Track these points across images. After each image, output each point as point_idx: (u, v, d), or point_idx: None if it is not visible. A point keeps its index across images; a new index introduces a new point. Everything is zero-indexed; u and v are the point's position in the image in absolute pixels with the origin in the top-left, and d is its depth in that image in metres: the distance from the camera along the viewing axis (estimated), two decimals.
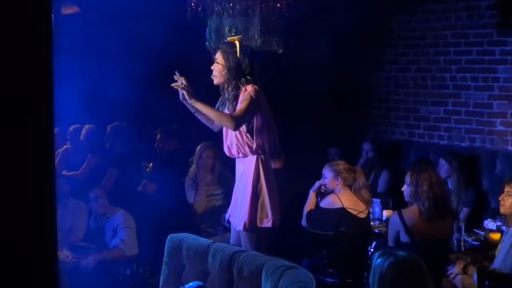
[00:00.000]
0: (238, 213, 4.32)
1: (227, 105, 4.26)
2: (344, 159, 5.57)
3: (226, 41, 4.52)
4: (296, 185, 5.49)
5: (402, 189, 4.69)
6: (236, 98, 4.20)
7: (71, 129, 6.84)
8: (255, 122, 4.20)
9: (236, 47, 4.21)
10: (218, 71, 4.23)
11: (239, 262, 3.59)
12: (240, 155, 4.28)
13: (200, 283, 3.40)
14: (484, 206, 6.01)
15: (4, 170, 1.29)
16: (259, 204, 4.24)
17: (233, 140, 4.26)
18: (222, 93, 4.29)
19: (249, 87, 4.15)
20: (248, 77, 4.18)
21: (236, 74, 4.18)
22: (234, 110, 4.20)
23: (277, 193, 4.35)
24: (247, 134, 4.21)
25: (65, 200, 5.40)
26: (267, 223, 4.25)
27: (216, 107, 4.31)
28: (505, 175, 5.84)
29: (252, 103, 4.10)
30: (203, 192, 5.90)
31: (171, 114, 6.80)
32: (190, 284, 3.35)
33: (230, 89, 4.22)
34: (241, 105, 4.12)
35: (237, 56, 4.18)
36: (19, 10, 1.29)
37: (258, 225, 4.25)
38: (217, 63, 4.24)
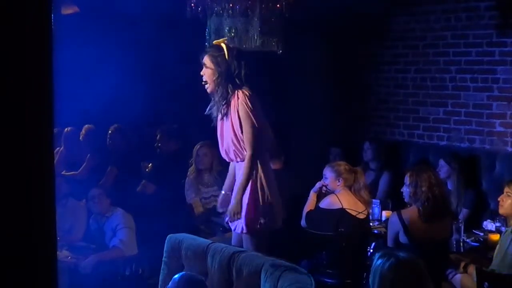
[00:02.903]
0: None
1: (217, 109, 4.24)
2: (345, 159, 5.57)
3: (212, 44, 4.51)
4: (296, 186, 5.49)
5: (402, 190, 4.69)
6: (227, 102, 4.17)
7: (66, 131, 6.83)
8: None
9: (223, 50, 4.19)
10: (208, 77, 4.20)
11: (238, 263, 3.59)
12: (238, 159, 4.26)
13: (184, 272, 3.44)
14: (483, 207, 6.01)
15: (3, 170, 1.29)
16: (259, 207, 4.22)
17: (230, 146, 4.24)
18: (213, 97, 4.27)
19: (241, 94, 4.12)
20: (237, 81, 4.15)
21: (227, 77, 4.15)
22: (225, 114, 4.18)
23: (279, 195, 4.34)
24: (244, 140, 4.19)
25: (65, 200, 5.41)
26: (266, 226, 4.24)
27: (206, 113, 4.32)
28: (504, 176, 5.84)
29: (248, 113, 4.10)
30: (202, 193, 5.91)
31: (171, 114, 6.81)
32: (175, 276, 3.38)
33: (219, 93, 4.19)
34: (244, 127, 4.11)
35: (225, 59, 4.16)
36: (19, 10, 1.29)
37: (259, 228, 4.24)
38: (206, 67, 4.21)
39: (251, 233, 4.24)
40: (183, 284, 3.31)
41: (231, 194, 4.36)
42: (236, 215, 4.18)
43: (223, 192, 4.50)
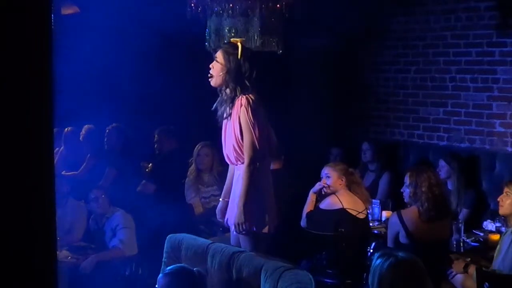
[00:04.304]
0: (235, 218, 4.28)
1: (224, 107, 4.22)
2: (345, 159, 5.58)
3: (228, 41, 4.48)
4: (295, 186, 5.48)
5: (402, 190, 4.69)
6: (232, 102, 4.15)
7: (66, 131, 6.83)
8: None
9: (238, 49, 4.17)
10: (216, 71, 4.17)
11: (238, 263, 3.59)
12: (239, 163, 4.25)
13: (173, 266, 3.45)
14: (483, 207, 6.01)
15: (3, 170, 1.29)
16: (255, 210, 4.21)
17: (230, 149, 4.22)
18: (220, 93, 4.26)
19: (244, 101, 4.08)
20: (247, 83, 4.13)
21: (235, 77, 4.12)
22: (229, 115, 4.17)
23: (274, 199, 4.33)
24: (243, 148, 4.18)
25: (64, 200, 5.40)
26: (263, 229, 4.23)
27: (214, 107, 4.30)
28: (504, 176, 5.84)
29: (248, 123, 4.07)
30: (202, 192, 5.91)
31: (169, 115, 6.81)
32: (160, 276, 3.40)
33: (228, 91, 4.16)
34: (244, 136, 4.09)
35: (238, 58, 4.14)
36: (20, 10, 1.29)
37: (255, 230, 4.23)
38: (216, 61, 4.17)
39: (247, 236, 4.23)
40: (169, 281, 3.30)
41: (229, 201, 4.35)
42: (241, 225, 4.13)
43: (221, 199, 4.47)
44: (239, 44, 4.18)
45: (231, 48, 4.18)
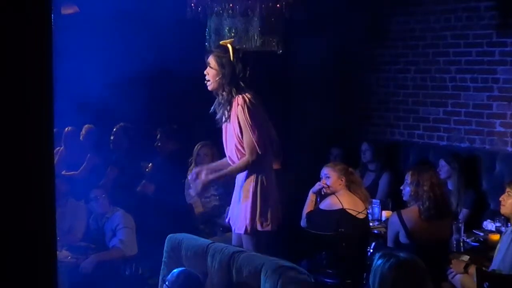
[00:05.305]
0: (238, 217, 4.30)
1: (222, 110, 4.23)
2: (346, 159, 5.58)
3: (218, 44, 4.48)
4: (295, 186, 5.49)
5: (401, 188, 4.68)
6: (230, 104, 4.17)
7: (66, 131, 6.82)
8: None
9: (229, 51, 4.18)
10: (212, 76, 4.19)
11: (239, 263, 3.59)
12: None
13: (183, 268, 3.58)
14: (483, 207, 6.01)
15: (3, 170, 1.29)
16: (258, 208, 4.21)
17: (233, 150, 4.23)
18: (217, 96, 4.27)
19: (241, 100, 4.10)
20: (242, 83, 4.14)
21: (231, 79, 4.14)
22: (228, 117, 4.17)
23: (278, 197, 4.33)
24: (244, 147, 4.19)
25: (64, 200, 5.40)
26: (267, 227, 4.23)
27: (212, 109, 4.31)
28: (504, 176, 5.84)
29: (245, 123, 4.08)
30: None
31: (171, 114, 6.81)
32: (175, 270, 3.50)
33: (225, 94, 4.18)
34: (244, 135, 4.11)
35: (230, 60, 4.14)
36: (20, 10, 1.29)
37: (258, 228, 4.23)
38: (210, 67, 4.20)
39: (250, 235, 4.23)
40: (182, 280, 3.38)
41: (231, 202, 4.39)
42: (198, 186, 4.23)
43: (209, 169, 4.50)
44: (229, 46, 4.19)
45: (222, 52, 4.19)
